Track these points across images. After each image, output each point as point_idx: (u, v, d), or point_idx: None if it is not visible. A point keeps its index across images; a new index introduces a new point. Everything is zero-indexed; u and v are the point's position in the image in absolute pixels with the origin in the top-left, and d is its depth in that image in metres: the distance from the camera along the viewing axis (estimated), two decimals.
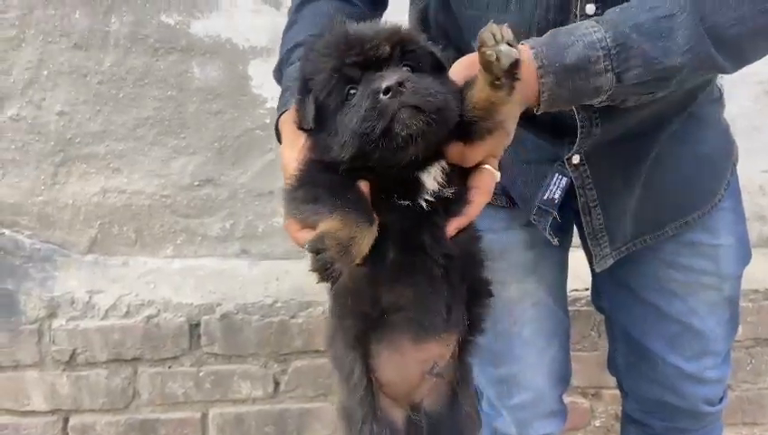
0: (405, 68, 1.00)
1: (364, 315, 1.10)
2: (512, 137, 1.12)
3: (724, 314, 1.64)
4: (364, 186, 1.03)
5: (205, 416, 2.49)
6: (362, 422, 1.17)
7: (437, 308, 1.08)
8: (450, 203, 1.07)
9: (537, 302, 1.64)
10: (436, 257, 1.06)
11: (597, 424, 2.57)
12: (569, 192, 1.46)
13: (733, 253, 1.60)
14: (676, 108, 1.41)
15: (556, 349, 1.71)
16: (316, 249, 0.94)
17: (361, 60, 1.00)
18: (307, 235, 1.00)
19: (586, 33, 1.09)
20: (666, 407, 1.69)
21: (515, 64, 0.97)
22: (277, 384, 2.49)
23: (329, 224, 0.96)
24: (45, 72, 2.41)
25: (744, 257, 1.64)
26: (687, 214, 1.53)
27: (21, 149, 2.46)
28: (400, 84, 0.93)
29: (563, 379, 1.77)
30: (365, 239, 0.97)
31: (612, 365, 1.85)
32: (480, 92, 1.01)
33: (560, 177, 1.44)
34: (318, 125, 1.04)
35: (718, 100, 1.56)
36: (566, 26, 1.14)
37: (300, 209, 1.05)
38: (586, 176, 1.44)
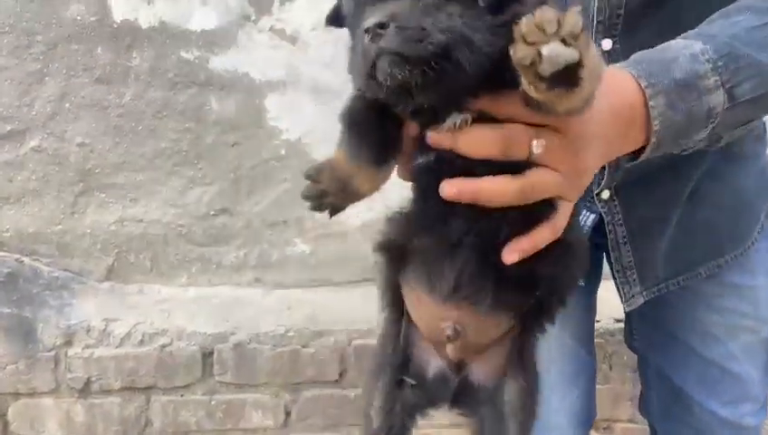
0: None
1: (396, 243, 0.99)
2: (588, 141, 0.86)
3: (762, 358, 1.57)
4: (411, 126, 0.87)
5: None
6: (384, 337, 1.08)
7: (447, 274, 0.93)
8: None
9: (561, 345, 1.58)
10: (462, 239, 0.90)
11: None
12: (597, 230, 1.38)
13: None
14: None
15: (579, 391, 1.67)
16: (311, 178, 0.88)
17: None
18: None
19: (685, 46, 0.93)
20: None
21: (571, 69, 0.69)
22: (288, 414, 2.49)
23: (335, 155, 0.88)
24: (67, 105, 2.48)
25: None
26: (721, 255, 1.47)
27: (42, 180, 2.52)
28: (381, 25, 0.76)
29: (586, 420, 1.74)
30: (364, 181, 0.88)
31: (645, 407, 1.80)
32: (523, 87, 0.75)
33: (587, 213, 1.37)
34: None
35: (761, 137, 1.48)
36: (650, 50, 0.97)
37: (342, 134, 0.94)
38: (616, 211, 1.37)
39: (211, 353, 2.44)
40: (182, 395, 2.44)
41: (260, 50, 2.49)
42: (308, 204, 0.90)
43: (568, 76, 0.69)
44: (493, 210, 0.85)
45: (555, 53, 0.67)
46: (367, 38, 0.77)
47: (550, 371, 1.58)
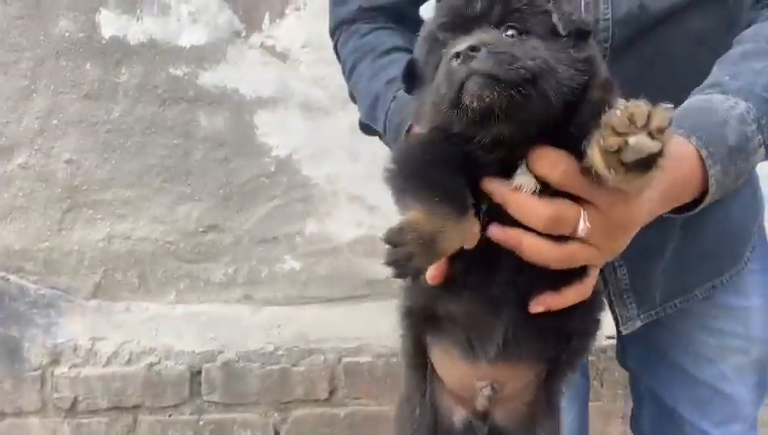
0: (509, 31, 0.84)
1: (422, 308, 1.00)
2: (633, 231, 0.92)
3: (752, 379, 1.57)
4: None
5: None
6: (406, 399, 1.08)
7: (492, 336, 0.95)
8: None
9: None
10: (505, 296, 0.92)
11: None
12: None
13: (762, 315, 1.54)
14: None
15: (574, 414, 1.66)
16: (393, 241, 0.80)
17: (450, 20, 0.88)
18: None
19: (729, 107, 0.97)
20: None
21: (652, 157, 0.73)
22: (277, 433, 2.47)
23: (411, 215, 0.82)
24: (55, 122, 2.47)
25: None
26: (716, 276, 1.48)
27: (29, 196, 2.50)
28: (472, 48, 0.78)
29: None
30: (453, 236, 0.83)
31: (637, 426, 1.80)
32: (592, 154, 0.77)
33: None
34: (418, 91, 0.94)
35: None
36: (691, 102, 1.01)
37: (395, 186, 0.91)
38: None
39: (199, 372, 2.41)
40: (170, 415, 2.42)
41: (250, 66, 2.48)
42: (391, 271, 0.82)
43: (646, 162, 0.74)
44: (530, 268, 0.88)
45: (642, 145, 0.71)
46: (456, 61, 0.79)
47: None
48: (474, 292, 0.93)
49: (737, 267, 1.50)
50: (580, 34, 0.87)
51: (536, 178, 0.85)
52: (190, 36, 2.45)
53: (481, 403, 1.03)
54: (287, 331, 2.51)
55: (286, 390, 2.44)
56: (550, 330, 0.96)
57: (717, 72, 1.05)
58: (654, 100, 1.19)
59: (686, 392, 1.59)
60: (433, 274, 0.93)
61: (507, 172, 0.86)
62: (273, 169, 2.53)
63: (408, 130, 1.12)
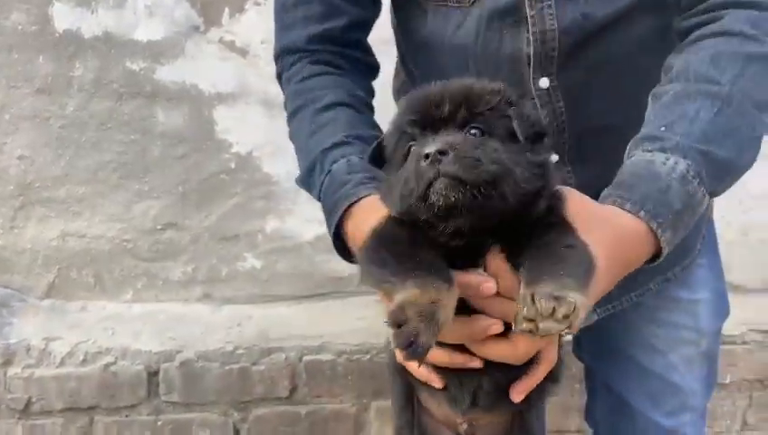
0: (473, 130, 0.94)
1: None
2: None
3: (702, 370, 1.64)
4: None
5: None
6: (398, 433, 1.19)
7: (464, 395, 1.07)
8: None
9: None
10: (489, 384, 1.04)
11: None
12: None
13: (710, 308, 1.61)
14: None
15: None
16: (398, 321, 0.85)
17: (419, 118, 0.97)
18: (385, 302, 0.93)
19: (670, 169, 1.03)
20: None
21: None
22: (237, 432, 2.45)
23: (405, 293, 0.88)
24: (7, 117, 2.40)
25: (722, 313, 1.65)
26: (670, 269, 1.53)
27: None
28: (441, 152, 0.87)
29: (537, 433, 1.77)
30: (449, 302, 0.88)
31: (590, 416, 1.85)
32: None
33: None
34: (387, 172, 1.04)
35: None
36: (635, 164, 1.07)
37: (370, 272, 0.98)
38: None
39: (156, 373, 2.38)
40: (126, 415, 2.38)
41: (209, 61, 2.45)
42: (404, 352, 0.86)
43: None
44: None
45: (550, 328, 0.82)
46: (425, 162, 0.88)
47: None
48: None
49: (690, 258, 1.55)
50: (537, 137, 0.98)
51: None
52: (147, 30, 2.40)
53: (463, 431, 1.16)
54: (247, 330, 2.49)
55: (246, 389, 2.42)
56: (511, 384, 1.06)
57: (653, 119, 1.11)
58: (600, 104, 1.22)
59: (638, 384, 1.65)
60: (438, 383, 1.07)
61: (466, 256, 0.96)
62: (233, 165, 2.50)
63: (344, 215, 1.17)
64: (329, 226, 1.21)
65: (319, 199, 1.27)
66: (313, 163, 1.28)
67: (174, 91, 2.44)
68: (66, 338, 2.38)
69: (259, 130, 2.47)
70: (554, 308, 0.81)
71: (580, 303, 0.82)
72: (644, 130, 1.11)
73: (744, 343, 2.55)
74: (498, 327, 0.96)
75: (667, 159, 1.04)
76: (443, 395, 1.10)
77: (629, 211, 1.01)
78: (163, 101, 2.44)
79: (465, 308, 0.95)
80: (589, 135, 1.30)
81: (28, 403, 2.36)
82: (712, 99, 1.07)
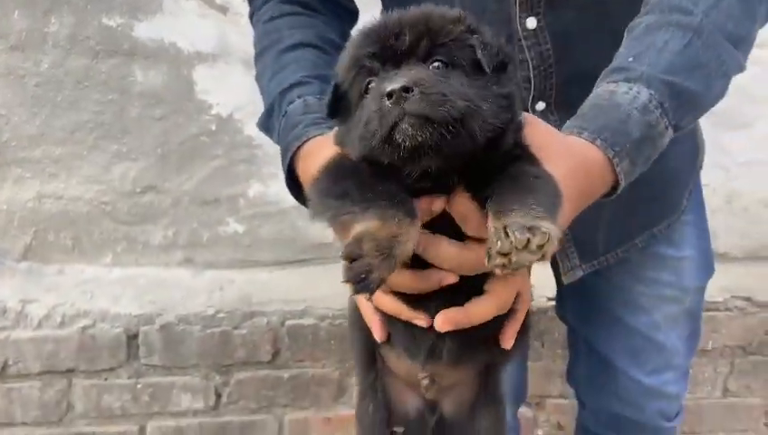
0: (435, 63, 0.88)
1: None
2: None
3: (685, 329, 1.64)
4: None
5: (143, 429, 2.41)
6: (362, 397, 1.16)
7: (420, 349, 1.03)
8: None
9: None
10: (450, 336, 0.99)
11: (539, 433, 2.59)
12: None
13: (695, 266, 1.61)
14: None
15: (512, 369, 1.70)
16: (352, 255, 0.81)
17: (378, 51, 0.89)
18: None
19: (632, 99, 1.02)
20: (623, 420, 1.70)
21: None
22: (219, 396, 2.43)
23: (365, 223, 0.83)
24: None
25: (707, 271, 1.65)
26: (656, 224, 1.52)
27: None
28: (405, 89, 0.81)
29: (518, 397, 1.77)
30: (409, 238, 0.84)
31: (572, 376, 1.85)
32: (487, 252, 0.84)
33: None
34: (342, 116, 0.96)
35: None
36: (598, 96, 1.06)
37: (326, 205, 0.92)
38: None
39: (136, 336, 2.35)
40: (106, 379, 2.35)
41: (188, 18, 2.38)
42: (352, 287, 0.83)
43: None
44: (462, 296, 0.96)
45: (523, 260, 0.79)
46: (388, 101, 0.81)
47: None
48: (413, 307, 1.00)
49: (676, 214, 1.54)
50: (501, 66, 0.92)
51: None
52: None
53: (424, 391, 1.13)
54: (229, 294, 2.46)
55: (228, 352, 2.40)
56: (481, 339, 1.03)
57: (623, 51, 1.09)
58: (588, 47, 1.18)
59: (620, 342, 1.64)
60: (379, 333, 1.05)
61: (430, 195, 0.91)
62: (213, 127, 2.45)
63: (294, 156, 1.14)
64: (283, 168, 1.18)
65: (277, 143, 1.24)
66: (272, 105, 1.26)
67: (152, 50, 2.37)
68: (43, 301, 2.34)
69: (240, 90, 2.41)
70: (528, 239, 0.78)
71: (554, 232, 0.80)
72: (613, 62, 1.09)
73: (727, 309, 2.56)
74: (452, 278, 0.93)
75: (630, 89, 1.02)
76: (401, 346, 1.07)
77: (586, 140, 0.99)
78: (141, 60, 2.38)
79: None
80: (576, 80, 1.26)
81: (5, 366, 2.33)
82: (683, 30, 1.05)
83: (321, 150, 1.04)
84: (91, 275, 2.44)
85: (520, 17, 1.22)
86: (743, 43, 1.10)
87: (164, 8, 2.36)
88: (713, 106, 1.10)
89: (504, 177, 0.88)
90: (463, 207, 0.91)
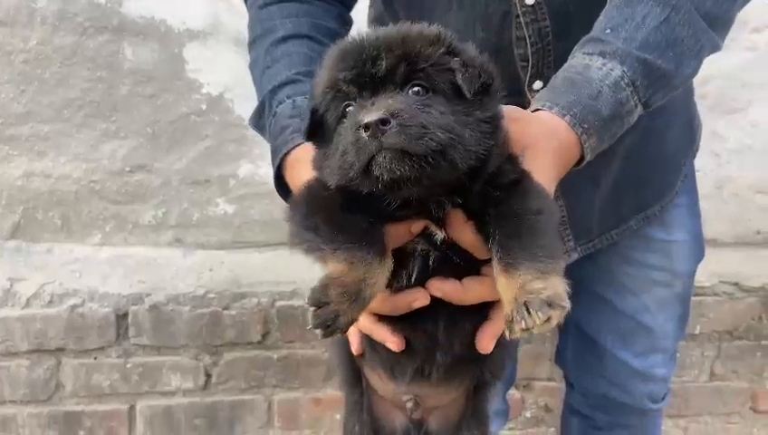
0: (415, 88, 0.85)
1: None
2: None
3: (674, 312, 1.66)
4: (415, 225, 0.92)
5: (132, 408, 2.42)
6: (348, 414, 1.15)
7: (406, 367, 1.02)
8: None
9: None
10: (440, 353, 0.99)
11: (528, 415, 2.61)
12: None
13: (686, 250, 1.62)
14: None
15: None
16: (318, 303, 0.81)
17: (355, 77, 0.86)
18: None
19: (604, 75, 1.02)
20: (611, 402, 1.72)
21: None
22: (209, 376, 2.44)
23: (332, 267, 0.83)
24: None
25: (697, 255, 1.66)
26: (650, 206, 1.53)
27: None
28: (383, 121, 0.78)
29: (508, 380, 1.78)
30: (377, 280, 0.84)
31: (560, 358, 1.86)
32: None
33: None
34: (320, 140, 0.93)
35: (690, 88, 1.55)
36: (572, 68, 1.05)
37: (301, 236, 0.92)
38: None
39: (125, 315, 2.34)
40: (95, 358, 2.35)
41: None
42: (319, 332, 0.84)
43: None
44: (447, 313, 0.96)
45: (543, 331, 0.81)
46: (365, 133, 0.79)
47: None
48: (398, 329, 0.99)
49: (670, 196, 1.54)
50: (484, 88, 0.88)
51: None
52: None
53: (408, 413, 1.12)
54: (219, 275, 2.46)
55: (218, 333, 2.39)
56: (462, 358, 1.01)
57: (602, 20, 1.08)
58: (586, 25, 1.18)
59: (609, 324, 1.65)
60: (355, 347, 1.04)
61: (420, 214, 0.91)
62: (204, 107, 2.43)
63: (282, 162, 1.14)
64: (273, 170, 1.19)
65: (268, 142, 1.24)
66: (263, 103, 1.25)
67: (142, 26, 2.34)
68: (32, 279, 2.32)
69: (231, 70, 2.39)
70: (550, 317, 0.80)
71: (567, 299, 0.82)
72: (592, 32, 1.09)
73: (715, 294, 2.58)
74: (423, 300, 0.93)
75: (604, 65, 1.03)
76: (383, 367, 1.06)
77: (556, 115, 1.00)
78: (130, 37, 2.35)
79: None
80: None
81: None
82: (662, 5, 1.05)
83: (305, 162, 1.02)
84: (80, 255, 2.42)
85: None
86: (720, 23, 1.11)
87: None
88: (684, 84, 1.11)
89: (505, 215, 0.87)
90: (470, 236, 0.91)
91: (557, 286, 0.81)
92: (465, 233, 0.91)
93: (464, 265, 0.93)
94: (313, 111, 0.92)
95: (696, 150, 1.61)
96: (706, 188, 2.67)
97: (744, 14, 2.58)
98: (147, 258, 2.46)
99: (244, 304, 2.41)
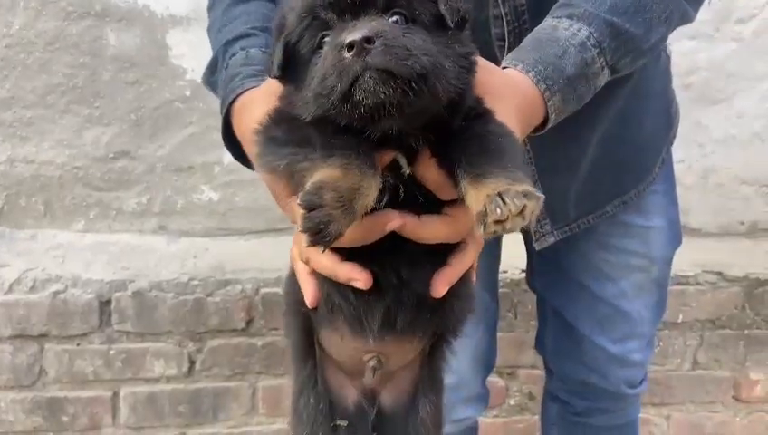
0: (395, 17, 0.82)
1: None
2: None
3: (651, 297, 1.66)
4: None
5: (116, 395, 2.42)
6: (299, 392, 1.08)
7: (373, 315, 0.97)
8: (438, 246, 0.92)
9: None
10: (406, 293, 0.95)
11: (511, 403, 2.63)
12: None
13: (663, 235, 1.62)
14: (620, 81, 1.39)
15: (480, 335, 1.71)
16: (312, 204, 0.76)
17: (335, 0, 0.82)
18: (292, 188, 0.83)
19: (571, 36, 1.02)
20: (589, 387, 1.73)
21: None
22: (192, 363, 2.44)
23: (326, 172, 0.78)
24: None
25: (674, 241, 1.67)
26: (627, 191, 1.53)
27: None
28: (368, 40, 0.74)
29: (487, 364, 1.78)
30: (371, 191, 0.79)
31: (540, 344, 1.87)
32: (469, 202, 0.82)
33: None
34: (289, 75, 0.88)
35: (667, 71, 1.56)
36: (540, 30, 1.05)
37: (279, 153, 0.85)
38: (526, 150, 1.37)
39: (108, 302, 2.34)
40: (78, 344, 2.35)
41: None
42: (308, 237, 0.77)
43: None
44: (409, 251, 0.91)
45: (517, 225, 0.77)
46: (349, 53, 0.75)
47: None
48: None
49: (647, 182, 1.55)
50: (462, 23, 0.87)
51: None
52: None
53: (368, 377, 1.07)
54: (203, 262, 2.46)
55: (201, 320, 2.39)
56: (429, 304, 0.98)
57: None
58: None
59: (586, 310, 1.66)
60: (311, 297, 0.97)
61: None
62: (188, 93, 2.43)
63: (230, 106, 1.08)
64: (221, 120, 1.12)
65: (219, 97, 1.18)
66: (216, 58, 1.20)
67: (125, 12, 2.34)
68: (14, 265, 2.32)
69: None
70: (525, 206, 0.76)
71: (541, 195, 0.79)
72: None
73: (698, 283, 2.59)
74: (397, 222, 0.88)
75: (571, 26, 1.03)
76: (351, 324, 1.00)
77: (520, 72, 0.99)
78: (113, 23, 2.34)
79: None
80: None
81: None
82: None
83: (255, 104, 0.99)
84: (63, 241, 2.42)
85: None
86: None
87: None
88: (652, 52, 1.12)
89: (468, 139, 0.85)
90: (434, 174, 0.88)
91: (529, 187, 0.78)
92: (429, 169, 0.87)
93: (427, 203, 0.90)
94: (286, 46, 0.87)
95: (674, 137, 1.62)
96: (691, 178, 2.69)
97: (728, 5, 2.61)
98: (130, 245, 2.46)
99: (228, 292, 2.41)
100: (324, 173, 0.78)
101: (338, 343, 1.04)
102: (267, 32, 1.15)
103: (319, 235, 0.76)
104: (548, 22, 1.06)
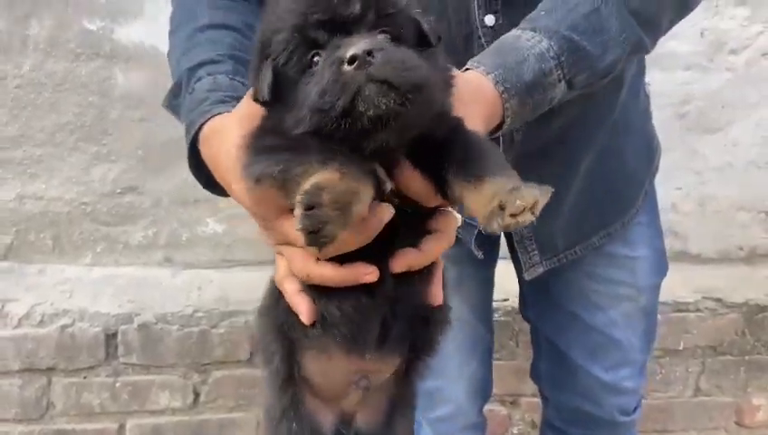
0: (381, 35, 0.84)
1: (293, 323, 0.98)
2: None
3: (640, 325, 1.70)
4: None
5: (122, 427, 2.45)
6: (279, 420, 1.05)
7: (371, 328, 0.97)
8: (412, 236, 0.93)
9: (459, 318, 1.60)
10: (399, 305, 0.96)
11: (514, 431, 2.64)
12: None
13: (649, 265, 1.67)
14: (599, 117, 1.45)
15: (476, 364, 1.74)
16: (311, 203, 0.76)
17: (328, 19, 0.82)
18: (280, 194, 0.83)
19: (531, 45, 1.07)
20: (584, 415, 1.75)
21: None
22: (197, 395, 2.47)
23: (325, 175, 0.78)
24: None
25: (661, 270, 1.71)
26: (612, 223, 1.58)
27: None
28: (369, 53, 0.76)
29: (483, 393, 1.80)
30: (366, 198, 0.80)
31: (535, 373, 1.89)
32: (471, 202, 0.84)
33: None
34: (275, 97, 0.87)
35: (646, 110, 1.62)
36: (504, 39, 1.11)
37: (273, 159, 0.84)
38: None
39: (115, 335, 2.38)
40: (85, 377, 2.38)
41: (168, 21, 2.39)
42: (306, 236, 0.77)
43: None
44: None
45: (526, 220, 0.80)
46: (349, 67, 0.77)
47: (446, 343, 1.64)
48: (354, 290, 0.93)
49: (631, 213, 1.60)
50: (438, 41, 0.91)
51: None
52: None
53: (353, 399, 1.07)
54: (208, 293, 2.50)
55: (206, 351, 2.43)
56: (413, 317, 1.00)
57: (540, 6, 1.15)
58: None
59: (579, 339, 1.70)
60: (307, 314, 0.94)
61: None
62: None
63: (197, 134, 1.07)
64: (186, 147, 1.11)
65: (182, 122, 1.16)
66: (180, 82, 1.17)
67: (133, 52, 2.40)
68: (23, 300, 2.37)
69: None
70: (537, 201, 0.80)
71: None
72: (533, 12, 1.15)
73: (698, 310, 2.61)
74: (389, 214, 0.87)
75: (533, 37, 1.09)
76: (344, 341, 0.98)
77: (481, 73, 1.03)
78: (122, 63, 2.41)
79: None
80: None
81: None
82: None
83: (227, 129, 0.97)
84: (71, 275, 2.47)
85: (478, 14, 1.26)
86: (648, 25, 1.18)
87: (145, 12, 2.39)
88: (607, 75, 1.16)
89: (450, 147, 0.87)
90: (419, 184, 0.89)
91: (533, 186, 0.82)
92: (414, 180, 0.89)
93: (410, 212, 0.91)
94: (275, 70, 0.86)
95: (656, 171, 1.67)
96: (689, 205, 2.72)
97: (721, 36, 2.66)
98: (136, 278, 2.50)
99: (232, 323, 2.45)
100: (323, 176, 0.78)
101: (325, 364, 1.03)
102: (234, 59, 1.14)
103: (316, 234, 0.77)
104: (513, 32, 1.12)
